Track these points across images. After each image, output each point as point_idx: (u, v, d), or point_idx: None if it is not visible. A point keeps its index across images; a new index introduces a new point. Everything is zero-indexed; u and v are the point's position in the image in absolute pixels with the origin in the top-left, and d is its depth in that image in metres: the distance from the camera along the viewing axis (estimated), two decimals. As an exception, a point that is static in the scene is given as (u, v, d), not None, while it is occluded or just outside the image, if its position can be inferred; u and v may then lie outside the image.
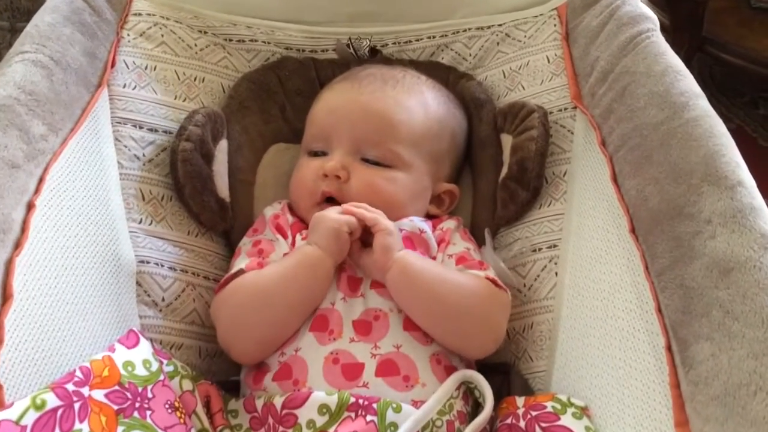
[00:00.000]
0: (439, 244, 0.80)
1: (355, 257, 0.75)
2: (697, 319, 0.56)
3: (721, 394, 0.51)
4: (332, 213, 0.74)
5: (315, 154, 0.84)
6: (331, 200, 0.80)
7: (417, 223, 0.80)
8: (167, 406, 0.62)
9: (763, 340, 0.51)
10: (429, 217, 0.85)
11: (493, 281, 0.74)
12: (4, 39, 1.64)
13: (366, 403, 0.64)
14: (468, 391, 0.72)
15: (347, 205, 0.75)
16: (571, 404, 0.65)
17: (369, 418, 0.63)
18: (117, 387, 0.59)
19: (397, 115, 0.81)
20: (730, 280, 0.55)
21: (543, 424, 0.64)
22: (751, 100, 1.70)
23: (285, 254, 0.77)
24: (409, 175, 0.81)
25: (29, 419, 0.51)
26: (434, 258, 0.78)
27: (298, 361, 0.69)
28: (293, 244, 0.78)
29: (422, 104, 0.84)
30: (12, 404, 0.51)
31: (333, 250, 0.72)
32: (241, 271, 0.74)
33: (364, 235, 0.75)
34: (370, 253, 0.73)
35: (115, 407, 0.58)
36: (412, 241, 0.78)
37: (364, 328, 0.71)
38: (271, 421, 0.66)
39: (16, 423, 0.50)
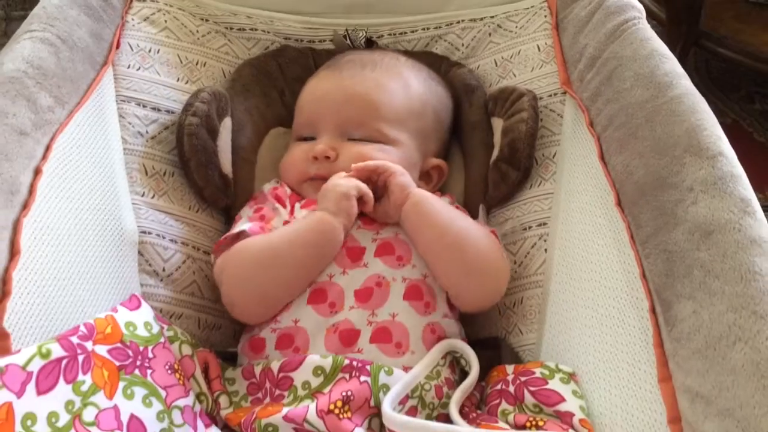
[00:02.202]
0: None
1: (371, 211, 0.77)
2: (680, 280, 0.58)
3: (702, 347, 0.53)
4: (339, 179, 0.76)
5: (304, 139, 0.86)
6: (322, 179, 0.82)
7: None
8: (167, 367, 0.63)
9: (742, 295, 0.52)
10: None
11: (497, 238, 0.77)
12: (0, 27, 1.66)
13: (360, 365, 0.65)
14: (454, 361, 0.73)
15: (354, 165, 0.77)
16: (559, 370, 0.67)
17: (363, 378, 0.64)
18: (119, 344, 0.60)
19: (377, 95, 0.84)
20: (710, 242, 0.57)
21: (531, 388, 0.66)
22: (747, 94, 1.70)
23: (285, 222, 0.79)
24: (397, 149, 0.83)
25: (35, 366, 0.52)
26: None
27: (299, 332, 0.70)
28: (291, 212, 0.80)
29: (402, 84, 0.87)
30: (19, 351, 0.53)
31: (342, 212, 0.74)
32: (243, 233, 0.76)
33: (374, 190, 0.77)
34: (385, 199, 0.76)
35: (117, 363, 0.59)
36: None
37: (365, 295, 0.72)
38: (268, 385, 0.68)
39: (23, 368, 0.52)
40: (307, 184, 0.83)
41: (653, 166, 0.67)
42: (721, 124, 0.68)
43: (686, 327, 0.56)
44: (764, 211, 0.61)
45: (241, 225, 0.78)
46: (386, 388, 0.64)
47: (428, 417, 0.67)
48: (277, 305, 0.73)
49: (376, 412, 0.63)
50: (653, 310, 0.61)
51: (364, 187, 0.75)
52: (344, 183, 0.75)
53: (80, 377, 0.55)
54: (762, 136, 1.61)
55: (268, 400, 0.67)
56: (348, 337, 0.69)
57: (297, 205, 0.81)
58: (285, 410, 0.62)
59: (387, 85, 0.85)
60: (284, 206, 0.81)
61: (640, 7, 0.86)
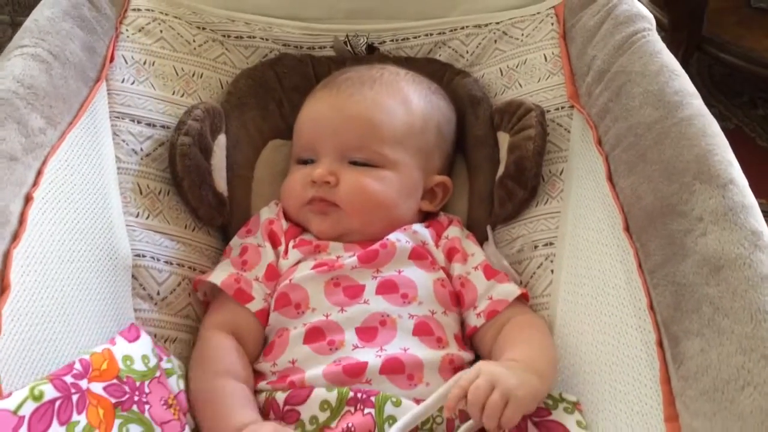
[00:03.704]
0: (452, 254, 0.79)
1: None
2: (688, 316, 0.57)
3: (710, 389, 0.52)
4: None
5: (304, 162, 0.84)
6: (321, 200, 0.80)
7: (420, 233, 0.80)
8: (162, 402, 0.62)
9: (752, 336, 0.52)
10: (424, 217, 0.86)
11: (524, 296, 0.76)
12: (5, 33, 1.66)
13: (364, 396, 0.64)
14: None
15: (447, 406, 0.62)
16: (563, 399, 0.66)
17: (366, 411, 0.63)
18: (115, 381, 0.59)
19: (376, 116, 0.81)
20: (720, 277, 0.56)
21: (535, 419, 0.64)
22: (750, 100, 1.70)
23: (269, 264, 0.77)
24: (397, 172, 0.81)
25: (27, 410, 0.51)
26: (445, 269, 0.79)
27: (295, 371, 0.69)
28: (286, 252, 0.79)
29: (402, 101, 0.84)
30: (10, 394, 0.52)
31: None
32: (215, 286, 0.75)
33: None
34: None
35: (113, 400, 0.58)
36: (419, 254, 0.78)
37: (368, 334, 0.70)
38: (272, 416, 0.67)
39: (14, 413, 0.51)
40: (306, 208, 0.81)
41: (662, 192, 0.66)
42: (724, 129, 0.68)
43: (694, 366, 0.55)
44: (765, 216, 0.60)
45: (219, 272, 0.76)
46: (393, 419, 0.63)
47: (435, 450, 0.65)
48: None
49: (382, 446, 0.62)
50: (660, 344, 0.60)
51: None
52: None
53: (74, 417, 0.55)
54: (764, 141, 1.61)
55: (273, 433, 0.66)
56: (354, 370, 0.67)
57: (291, 244, 0.79)
58: (292, 447, 0.61)
59: (386, 104, 0.83)
60: (278, 244, 0.80)
61: (651, 17, 0.83)
